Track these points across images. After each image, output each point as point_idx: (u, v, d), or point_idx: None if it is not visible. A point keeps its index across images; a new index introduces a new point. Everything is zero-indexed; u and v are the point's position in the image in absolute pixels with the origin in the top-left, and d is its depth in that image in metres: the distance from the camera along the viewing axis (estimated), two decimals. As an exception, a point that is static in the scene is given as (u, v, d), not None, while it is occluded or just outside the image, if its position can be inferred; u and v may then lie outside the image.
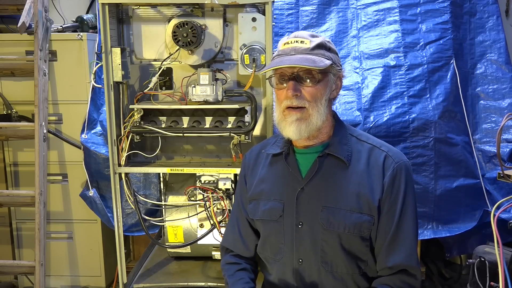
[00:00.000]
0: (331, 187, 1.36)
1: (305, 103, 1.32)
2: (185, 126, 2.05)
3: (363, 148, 1.40)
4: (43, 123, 2.36)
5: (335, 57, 1.38)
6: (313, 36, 1.36)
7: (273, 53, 1.80)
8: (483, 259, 1.54)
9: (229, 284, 1.47)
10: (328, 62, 1.31)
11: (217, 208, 2.02)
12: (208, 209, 2.00)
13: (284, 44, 1.36)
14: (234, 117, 2.04)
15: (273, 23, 2.12)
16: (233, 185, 1.99)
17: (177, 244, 2.12)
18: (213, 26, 1.96)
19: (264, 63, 1.89)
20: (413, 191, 1.37)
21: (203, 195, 2.00)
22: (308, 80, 1.32)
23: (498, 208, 1.41)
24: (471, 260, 1.59)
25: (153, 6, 1.97)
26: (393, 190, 1.33)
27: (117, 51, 1.89)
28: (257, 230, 1.50)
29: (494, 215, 1.33)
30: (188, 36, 1.83)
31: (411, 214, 1.35)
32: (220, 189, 1.99)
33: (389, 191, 1.33)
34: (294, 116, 1.32)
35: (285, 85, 1.34)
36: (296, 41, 1.34)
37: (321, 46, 1.34)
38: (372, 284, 1.37)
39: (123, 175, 2.01)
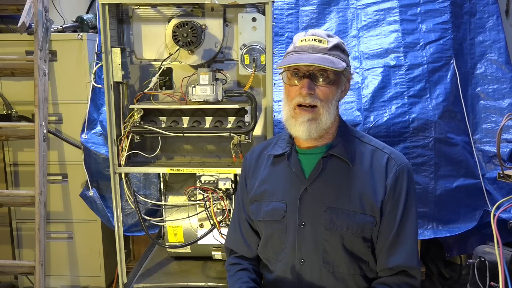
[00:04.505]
0: (334, 188, 1.36)
1: (317, 102, 1.32)
2: (185, 126, 2.04)
3: (365, 149, 1.40)
4: (43, 123, 2.36)
5: (347, 59, 1.38)
6: (329, 36, 1.36)
7: (273, 51, 1.80)
8: (483, 259, 1.53)
9: (228, 284, 1.47)
10: (344, 64, 1.32)
11: (217, 208, 2.02)
12: (208, 209, 2.00)
13: (301, 40, 1.35)
14: (234, 117, 2.04)
15: (273, 23, 2.11)
16: (233, 185, 1.99)
17: (177, 244, 2.12)
18: (213, 26, 1.96)
19: (264, 63, 1.89)
20: (415, 193, 1.38)
21: (203, 195, 2.01)
22: (322, 80, 1.32)
23: (498, 208, 1.41)
24: (471, 260, 1.58)
25: (153, 6, 1.97)
26: (395, 192, 1.34)
27: (117, 51, 1.89)
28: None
29: (494, 215, 1.33)
30: (188, 36, 1.83)
31: (412, 216, 1.36)
32: (220, 189, 1.99)
33: (391, 192, 1.34)
34: (306, 117, 1.32)
35: (296, 82, 1.33)
36: (314, 39, 1.33)
37: (337, 47, 1.35)
38: (372, 284, 1.37)
39: (123, 175, 2.01)
